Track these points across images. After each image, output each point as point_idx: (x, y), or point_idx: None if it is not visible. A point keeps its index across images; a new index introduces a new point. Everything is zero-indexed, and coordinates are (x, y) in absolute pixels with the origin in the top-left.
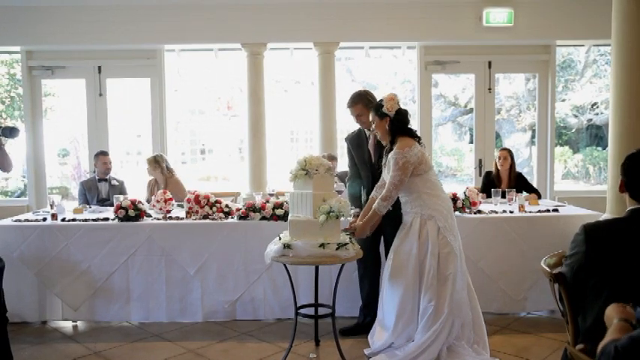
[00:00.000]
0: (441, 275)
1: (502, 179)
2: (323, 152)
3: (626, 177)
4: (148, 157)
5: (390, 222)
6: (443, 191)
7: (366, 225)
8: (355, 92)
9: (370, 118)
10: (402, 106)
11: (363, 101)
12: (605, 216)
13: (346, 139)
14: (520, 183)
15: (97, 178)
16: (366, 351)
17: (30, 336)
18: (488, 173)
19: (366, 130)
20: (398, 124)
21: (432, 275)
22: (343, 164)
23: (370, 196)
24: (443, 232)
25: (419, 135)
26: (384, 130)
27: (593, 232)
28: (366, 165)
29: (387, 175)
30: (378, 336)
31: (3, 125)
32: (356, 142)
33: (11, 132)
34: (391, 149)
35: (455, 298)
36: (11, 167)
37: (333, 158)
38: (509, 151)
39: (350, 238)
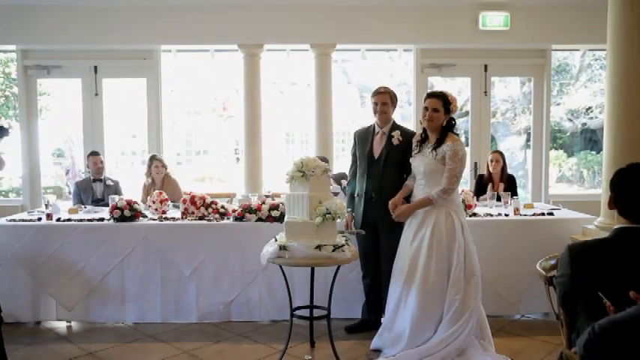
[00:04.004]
0: (467, 271)
1: (494, 181)
2: (319, 154)
3: (615, 193)
4: (155, 155)
5: (387, 225)
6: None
7: (411, 209)
8: (381, 86)
9: (434, 104)
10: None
11: (390, 92)
12: (600, 220)
13: (355, 133)
14: (512, 185)
15: (91, 178)
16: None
17: (24, 336)
18: (481, 176)
19: (376, 125)
20: (452, 124)
21: (460, 269)
22: (337, 166)
23: (405, 184)
24: (466, 227)
25: None
26: (440, 123)
27: (578, 254)
28: (365, 158)
29: (420, 165)
30: (390, 343)
31: None
32: (363, 135)
33: (0, 131)
34: (436, 143)
35: (479, 295)
36: (3, 165)
37: (323, 160)
38: (501, 154)
39: (346, 240)
